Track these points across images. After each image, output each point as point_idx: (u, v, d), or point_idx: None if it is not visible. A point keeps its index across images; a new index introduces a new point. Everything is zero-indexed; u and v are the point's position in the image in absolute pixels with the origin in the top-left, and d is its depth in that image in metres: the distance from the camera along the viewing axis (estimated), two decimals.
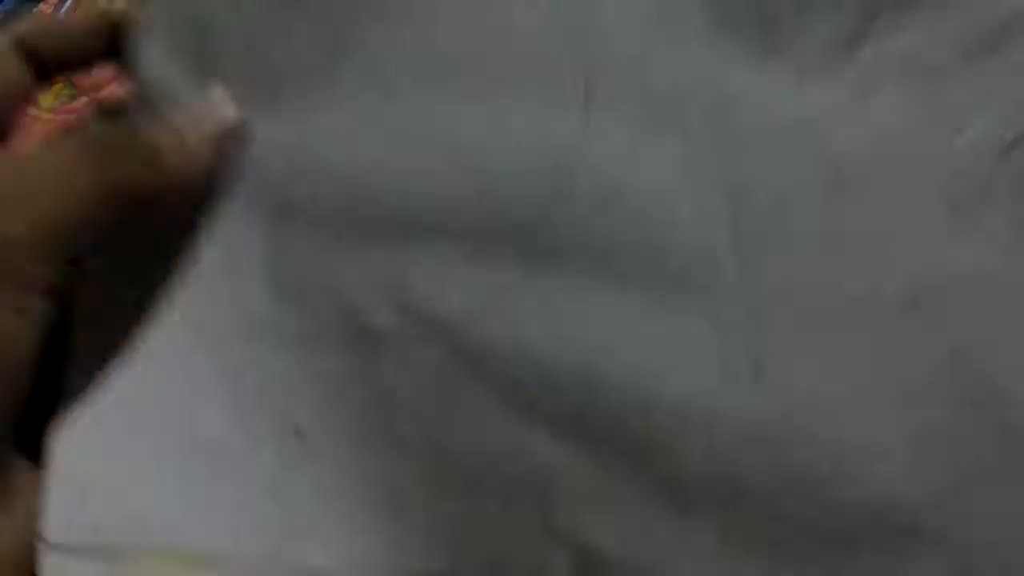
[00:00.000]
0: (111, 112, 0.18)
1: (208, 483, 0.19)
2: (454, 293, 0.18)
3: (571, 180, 0.18)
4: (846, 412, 0.18)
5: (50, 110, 0.32)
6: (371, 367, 0.18)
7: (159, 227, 0.19)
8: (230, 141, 0.19)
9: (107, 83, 0.33)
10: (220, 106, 0.19)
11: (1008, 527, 0.18)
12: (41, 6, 0.35)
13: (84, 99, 0.33)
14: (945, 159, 0.18)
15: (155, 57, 0.18)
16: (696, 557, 0.18)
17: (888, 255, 0.18)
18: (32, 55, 0.20)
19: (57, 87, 0.33)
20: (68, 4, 0.35)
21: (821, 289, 0.18)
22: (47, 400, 0.19)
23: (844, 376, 0.18)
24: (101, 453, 0.18)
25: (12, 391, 0.17)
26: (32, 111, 0.32)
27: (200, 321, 0.19)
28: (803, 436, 0.18)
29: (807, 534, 0.18)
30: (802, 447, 0.18)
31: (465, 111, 0.18)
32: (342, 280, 0.18)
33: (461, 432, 0.18)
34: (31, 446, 0.18)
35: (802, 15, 0.17)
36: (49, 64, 0.20)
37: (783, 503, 0.18)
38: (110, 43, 0.20)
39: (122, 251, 0.18)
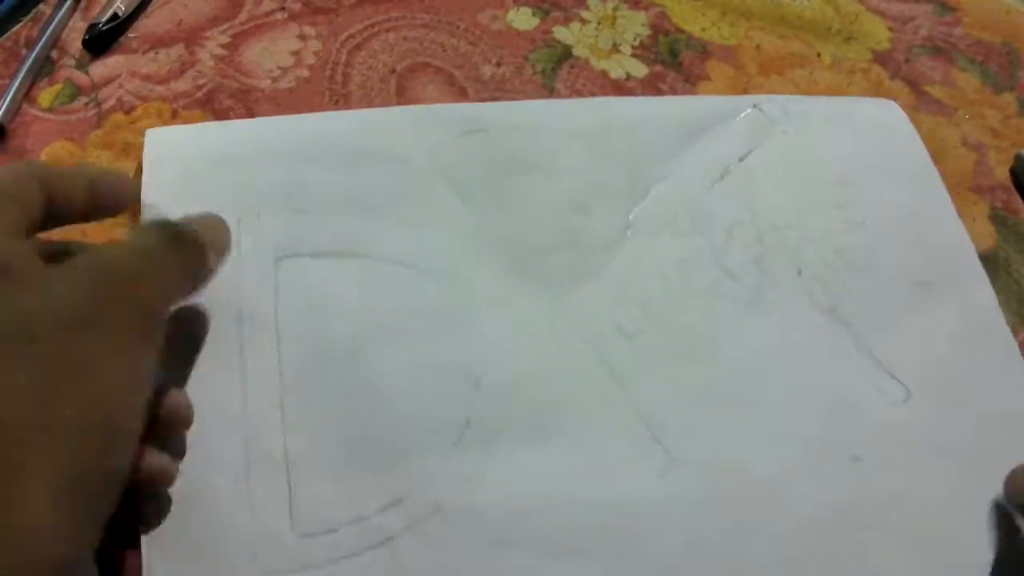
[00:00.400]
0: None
1: None
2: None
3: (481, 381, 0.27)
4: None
5: (50, 110, 0.32)
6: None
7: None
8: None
9: (105, 83, 0.33)
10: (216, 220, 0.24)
11: None
12: (41, 6, 0.35)
13: (83, 99, 0.33)
14: None
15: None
16: None
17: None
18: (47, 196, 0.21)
19: (56, 87, 0.33)
20: (67, 4, 0.35)
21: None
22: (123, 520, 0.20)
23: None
24: None
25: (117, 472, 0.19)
26: (31, 111, 0.32)
27: None
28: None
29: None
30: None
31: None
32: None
33: None
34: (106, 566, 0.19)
35: None
36: (58, 210, 0.21)
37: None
38: (116, 201, 0.22)
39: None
